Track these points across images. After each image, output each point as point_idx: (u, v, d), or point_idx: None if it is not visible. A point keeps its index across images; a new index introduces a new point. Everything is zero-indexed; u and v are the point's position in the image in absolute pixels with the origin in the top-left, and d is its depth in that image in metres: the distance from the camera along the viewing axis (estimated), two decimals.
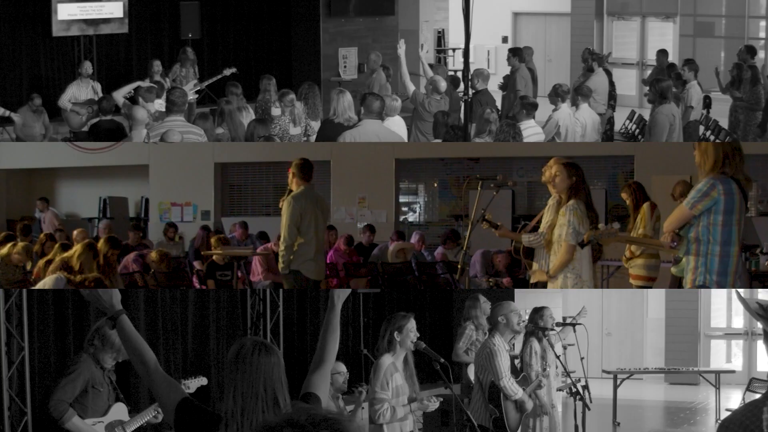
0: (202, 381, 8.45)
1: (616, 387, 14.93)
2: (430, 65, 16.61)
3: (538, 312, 10.06)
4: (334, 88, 14.98)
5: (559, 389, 10.01)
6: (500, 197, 9.54)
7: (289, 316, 13.78)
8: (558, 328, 10.49)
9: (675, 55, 23.13)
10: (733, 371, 17.17)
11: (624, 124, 19.91)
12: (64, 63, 21.18)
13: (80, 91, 17.49)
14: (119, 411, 7.58)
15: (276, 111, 14.01)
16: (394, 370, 7.80)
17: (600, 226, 7.75)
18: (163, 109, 13.57)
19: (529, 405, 9.06)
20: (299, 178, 9.92)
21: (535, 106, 12.88)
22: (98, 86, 17.76)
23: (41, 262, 11.22)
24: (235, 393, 4.70)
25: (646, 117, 15.91)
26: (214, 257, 13.50)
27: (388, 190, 19.35)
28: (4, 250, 12.09)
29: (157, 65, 18.07)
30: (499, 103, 16.44)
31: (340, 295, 5.41)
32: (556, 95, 13.91)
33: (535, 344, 9.85)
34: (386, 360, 7.81)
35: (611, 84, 18.13)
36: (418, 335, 7.95)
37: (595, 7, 25.88)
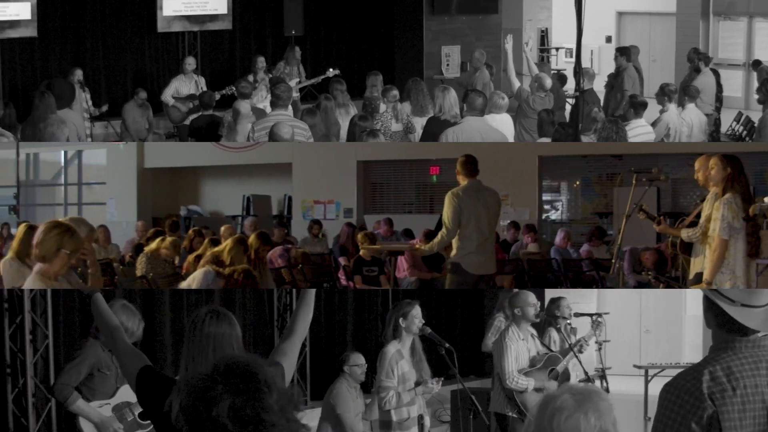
0: None
1: (647, 382, 14.77)
2: (535, 64, 16.52)
3: (555, 302, 10.17)
4: (437, 85, 14.93)
5: (581, 381, 9.97)
6: (646, 195, 9.48)
7: (315, 308, 13.71)
8: (572, 319, 10.53)
9: None
10: None
11: (730, 125, 19.58)
12: (168, 58, 21.40)
13: (183, 86, 17.64)
14: (127, 393, 7.57)
15: (381, 107, 14.01)
16: (399, 358, 8.02)
17: (766, 199, 7.66)
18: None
19: (551, 385, 9.00)
20: (462, 175, 10.00)
21: (644, 105, 12.75)
22: (202, 81, 17.90)
23: (191, 257, 11.47)
24: (188, 359, 4.84)
25: (754, 119, 15.64)
26: (361, 253, 13.55)
27: (531, 187, 19.29)
28: (153, 245, 12.50)
29: (260, 62, 18.16)
30: (603, 103, 16.31)
31: None
32: (664, 95, 13.73)
33: (554, 334, 10.03)
34: (391, 348, 8.03)
35: (718, 85, 17.84)
36: (424, 321, 8.12)
37: (701, 7, 25.47)
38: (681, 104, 14.23)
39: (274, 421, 3.08)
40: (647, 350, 20.61)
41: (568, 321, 10.40)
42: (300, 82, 18.33)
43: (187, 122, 15.99)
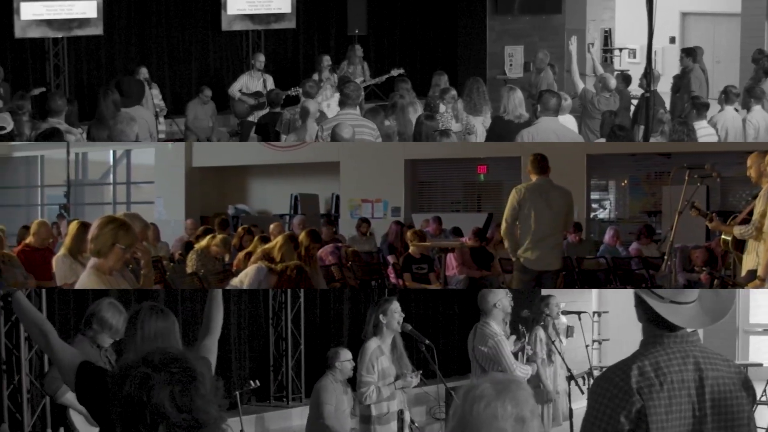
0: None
1: None
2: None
3: (543, 300, 10.19)
4: (501, 86, 14.92)
5: (567, 378, 9.99)
6: (696, 193, 9.44)
7: (310, 306, 13.84)
8: (563, 317, 10.68)
9: None
10: (760, 364, 16.32)
11: None
12: (232, 57, 21.54)
13: (251, 83, 17.75)
14: None
15: (441, 108, 14.00)
16: (379, 353, 8.23)
17: None
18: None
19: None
20: (532, 173, 10.15)
21: (706, 106, 12.66)
22: (270, 80, 17.96)
23: (241, 255, 11.60)
24: (135, 354, 4.90)
25: None
26: (410, 250, 13.59)
27: (580, 186, 19.13)
28: (204, 242, 12.61)
29: (326, 60, 18.25)
30: (668, 104, 16.19)
31: None
32: (724, 94, 13.61)
33: (541, 332, 10.07)
34: (372, 344, 8.25)
35: None
36: (404, 315, 8.31)
37: (767, 8, 25.21)
38: (746, 106, 14.04)
39: (207, 409, 3.22)
40: None
41: (556, 320, 10.45)
42: (364, 81, 18.36)
43: (252, 118, 16.10)
